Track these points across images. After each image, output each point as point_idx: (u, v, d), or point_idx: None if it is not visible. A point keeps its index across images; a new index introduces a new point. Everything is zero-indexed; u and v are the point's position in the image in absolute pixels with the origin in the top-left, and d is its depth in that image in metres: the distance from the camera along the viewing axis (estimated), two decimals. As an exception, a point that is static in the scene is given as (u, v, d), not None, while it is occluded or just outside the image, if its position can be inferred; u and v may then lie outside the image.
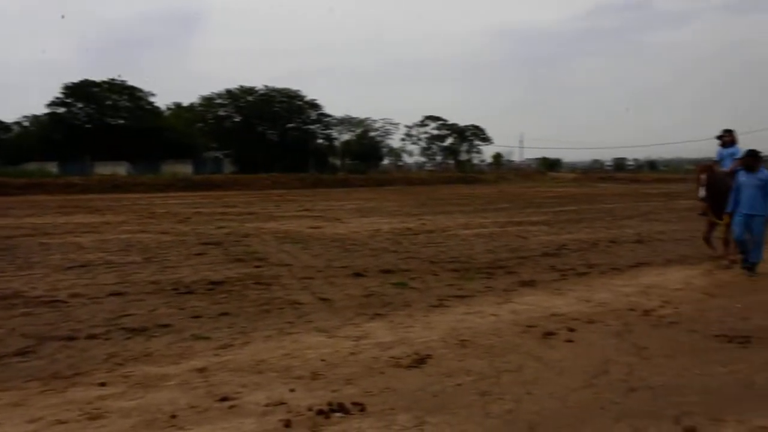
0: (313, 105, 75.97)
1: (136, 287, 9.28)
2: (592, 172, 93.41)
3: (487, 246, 13.92)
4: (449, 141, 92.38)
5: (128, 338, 6.60)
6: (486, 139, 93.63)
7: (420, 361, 5.74)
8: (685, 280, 9.59)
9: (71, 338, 6.60)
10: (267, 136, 73.16)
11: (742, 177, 10.07)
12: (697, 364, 5.51)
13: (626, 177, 75.56)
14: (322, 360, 5.80)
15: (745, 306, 7.80)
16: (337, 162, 79.48)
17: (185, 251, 13.17)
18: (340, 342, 6.42)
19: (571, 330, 6.75)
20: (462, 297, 8.57)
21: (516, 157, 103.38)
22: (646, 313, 7.51)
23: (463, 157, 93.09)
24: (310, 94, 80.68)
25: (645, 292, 8.72)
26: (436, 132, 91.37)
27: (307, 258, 12.27)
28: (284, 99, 74.36)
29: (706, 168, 11.22)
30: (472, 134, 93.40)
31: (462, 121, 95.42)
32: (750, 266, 10.04)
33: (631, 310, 7.69)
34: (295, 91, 74.97)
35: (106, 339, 6.57)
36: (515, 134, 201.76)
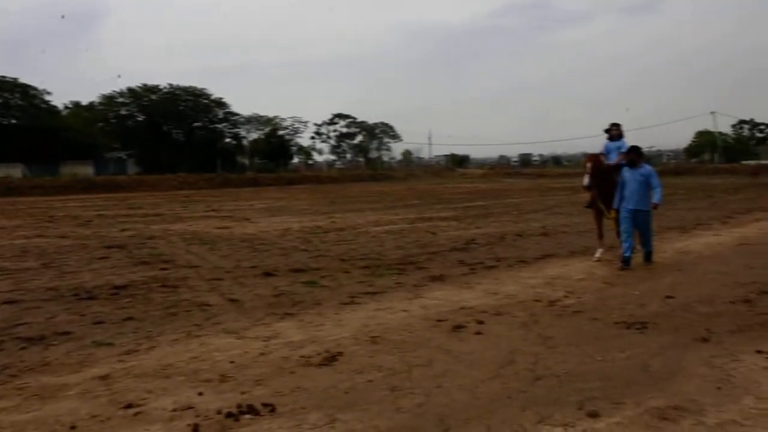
0: (220, 103, 74.76)
1: (33, 294, 8.82)
2: (500, 168, 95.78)
3: (397, 242, 14.00)
4: (359, 139, 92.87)
5: (23, 348, 6.26)
6: (395, 137, 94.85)
7: (331, 359, 5.71)
8: (588, 270, 9.93)
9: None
10: (172, 135, 71.43)
11: (626, 173, 10.20)
12: (599, 350, 5.71)
13: (532, 172, 77.81)
14: (231, 362, 5.68)
15: (642, 293, 8.15)
16: (246, 161, 78.40)
17: (87, 255, 12.63)
18: (250, 343, 6.31)
19: (480, 323, 6.87)
20: (373, 294, 8.57)
21: (425, 154, 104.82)
22: (551, 303, 7.73)
23: (373, 154, 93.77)
24: (217, 92, 79.30)
25: (550, 284, 8.98)
26: (345, 130, 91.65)
27: (216, 259, 12.01)
28: (190, 98, 72.72)
29: (592, 157, 11.29)
30: (382, 132, 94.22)
31: (371, 119, 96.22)
32: (646, 255, 10.35)
33: (537, 301, 7.90)
34: (201, 90, 73.61)
35: (-1, 350, 6.22)
36: (424, 131, 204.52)
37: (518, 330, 6.56)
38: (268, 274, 10.19)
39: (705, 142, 79.26)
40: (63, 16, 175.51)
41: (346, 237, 15.26)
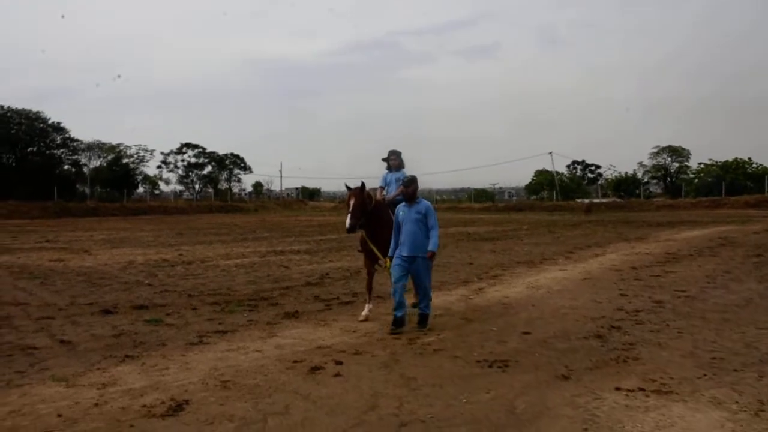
0: (58, 128, 69.87)
1: None
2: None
3: (248, 276, 13.41)
4: (208, 169, 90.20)
5: None
6: (245, 168, 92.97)
7: (176, 408, 5.12)
8: (445, 305, 9.85)
9: None
10: (2, 159, 65.79)
11: (402, 210, 8.25)
12: (463, 391, 5.51)
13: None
14: (59, 415, 4.95)
15: (499, 329, 8.14)
16: (87, 190, 73.70)
17: None
18: (82, 392, 5.57)
19: (339, 363, 6.51)
20: (223, 332, 8.00)
21: (276, 186, 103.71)
22: (411, 341, 7.51)
23: (223, 185, 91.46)
24: (53, 117, 74.24)
25: (409, 321, 8.78)
26: (194, 160, 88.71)
27: (47, 295, 10.89)
28: (23, 121, 67.48)
29: (355, 193, 8.78)
30: (232, 162, 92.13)
31: (221, 149, 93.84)
32: (421, 318, 8.23)
33: (396, 338, 7.67)
34: (36, 113, 68.44)
35: None
36: (275, 163, 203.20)
37: (379, 371, 6.26)
38: (107, 312, 9.32)
39: (544, 180, 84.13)
40: (63, 16, 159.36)
41: (194, 271, 14.46)
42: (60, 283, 12.37)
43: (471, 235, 26.87)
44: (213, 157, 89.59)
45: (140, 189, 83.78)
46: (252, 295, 10.95)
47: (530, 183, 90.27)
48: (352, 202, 8.72)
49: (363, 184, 8.88)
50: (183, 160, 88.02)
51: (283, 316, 9.08)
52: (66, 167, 72.13)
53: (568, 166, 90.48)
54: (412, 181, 8.28)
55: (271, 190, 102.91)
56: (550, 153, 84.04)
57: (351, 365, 6.46)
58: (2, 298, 10.47)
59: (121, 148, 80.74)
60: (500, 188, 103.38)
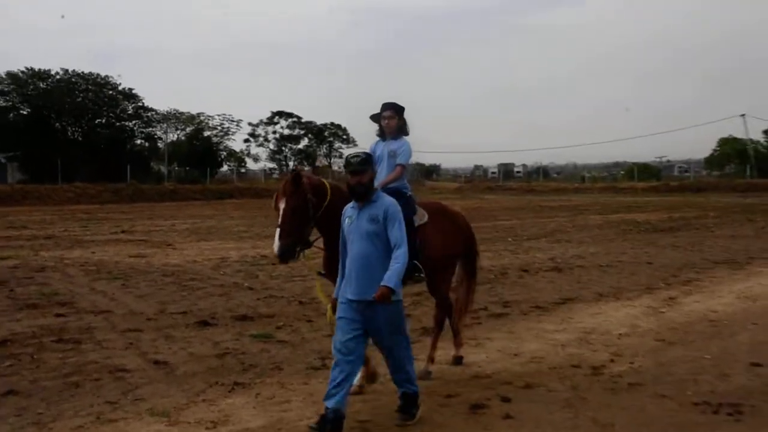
0: (130, 95, 72.86)
1: None
2: (477, 180, 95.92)
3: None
4: (304, 143, 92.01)
5: None
6: (348, 140, 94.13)
7: (309, 458, 4.95)
8: (629, 321, 9.39)
9: None
10: (68, 134, 69.45)
11: (347, 217, 5.88)
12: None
13: (519, 187, 77.86)
14: (165, 464, 4.88)
15: (714, 357, 7.56)
16: (163, 168, 76.81)
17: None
18: (188, 431, 5.52)
19: (506, 400, 6.22)
20: (350, 354, 7.84)
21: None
22: (596, 370, 7.12)
23: (321, 162, 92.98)
24: (124, 81, 77.65)
25: (585, 340, 8.40)
26: (287, 131, 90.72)
27: (131, 300, 11.17)
28: (90, 87, 70.82)
29: (286, 189, 6.15)
30: (332, 134, 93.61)
31: (319, 118, 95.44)
32: (405, 402, 5.87)
33: (576, 366, 7.29)
34: (105, 77, 71.62)
35: None
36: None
37: (562, 412, 5.89)
38: (204, 324, 9.44)
39: (731, 150, 79.76)
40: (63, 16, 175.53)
41: (300, 271, 14.48)
42: (144, 285, 12.69)
43: (640, 224, 25.90)
44: (310, 127, 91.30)
45: (224, 167, 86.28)
46: (377, 303, 10.78)
47: (712, 155, 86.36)
48: (281, 205, 6.11)
49: (298, 171, 6.28)
50: (275, 132, 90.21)
51: (422, 332, 8.87)
52: (139, 142, 75.44)
53: (766, 132, 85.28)
54: (364, 162, 5.79)
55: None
56: (743, 115, 79.40)
57: (522, 403, 6.16)
58: (79, 304, 10.81)
59: (202, 118, 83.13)
60: (668, 162, 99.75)
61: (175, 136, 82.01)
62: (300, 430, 5.53)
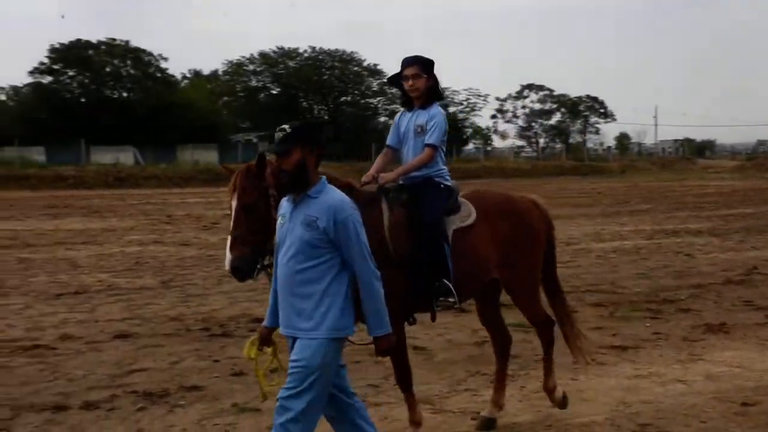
0: (374, 72, 75.07)
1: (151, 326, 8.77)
2: (762, 157, 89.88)
3: (636, 267, 13.12)
4: (556, 118, 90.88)
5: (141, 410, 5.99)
6: (606, 115, 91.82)
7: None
8: None
9: (60, 407, 6.05)
10: (314, 112, 72.90)
11: (282, 211, 4.53)
12: None
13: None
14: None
15: None
16: (407, 147, 78.76)
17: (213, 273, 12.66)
18: (452, 420, 5.76)
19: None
20: (622, 348, 7.81)
21: (649, 140, 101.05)
22: None
23: (575, 139, 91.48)
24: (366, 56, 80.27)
25: None
26: (538, 106, 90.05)
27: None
28: (336, 64, 73.83)
29: (241, 183, 4.84)
30: (587, 108, 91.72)
31: (573, 91, 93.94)
32: None
33: None
34: (350, 54, 74.30)
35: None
36: (647, 108, 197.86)
37: None
38: (461, 310, 9.55)
39: None
40: (63, 16, 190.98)
41: (559, 256, 14.37)
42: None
43: None
44: (563, 101, 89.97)
45: (470, 145, 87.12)
46: (649, 294, 10.65)
47: None
48: (233, 203, 4.85)
49: (263, 155, 4.88)
50: (524, 107, 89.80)
51: (705, 329, 8.57)
52: (383, 119, 77.76)
53: None
54: (286, 139, 4.39)
55: (641, 144, 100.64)
56: None
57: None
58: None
59: (448, 93, 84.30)
60: None
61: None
62: (573, 428, 5.50)
